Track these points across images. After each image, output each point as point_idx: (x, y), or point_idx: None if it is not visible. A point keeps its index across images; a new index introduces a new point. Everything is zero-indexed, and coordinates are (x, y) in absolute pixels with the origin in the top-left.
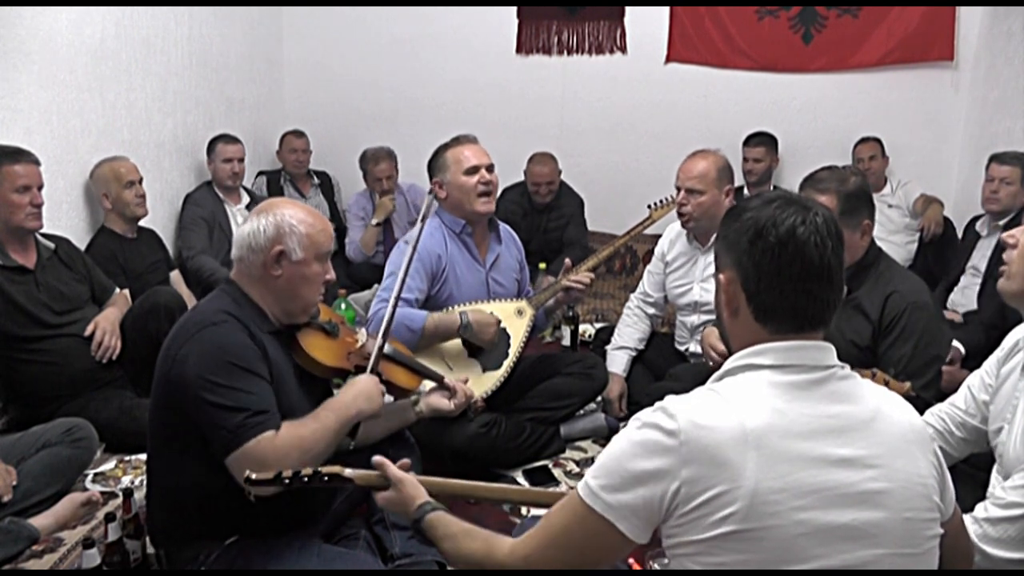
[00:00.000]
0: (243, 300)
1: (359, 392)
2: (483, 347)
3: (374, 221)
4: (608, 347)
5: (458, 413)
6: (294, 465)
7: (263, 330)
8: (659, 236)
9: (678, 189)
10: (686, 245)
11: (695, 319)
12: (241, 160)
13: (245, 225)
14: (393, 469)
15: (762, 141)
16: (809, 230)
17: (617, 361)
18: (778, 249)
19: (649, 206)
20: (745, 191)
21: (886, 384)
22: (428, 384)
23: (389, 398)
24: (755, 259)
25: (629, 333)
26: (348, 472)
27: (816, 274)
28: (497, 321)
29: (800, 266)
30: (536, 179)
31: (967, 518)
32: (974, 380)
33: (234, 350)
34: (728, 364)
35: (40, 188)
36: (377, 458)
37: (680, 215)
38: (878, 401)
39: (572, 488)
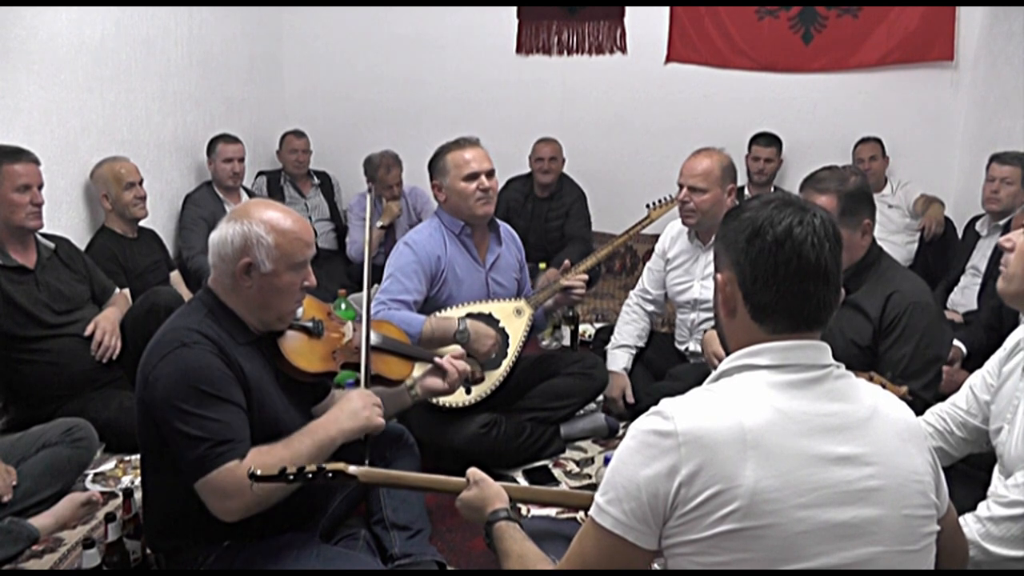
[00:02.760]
0: (219, 310)
1: (342, 412)
2: (476, 358)
3: (379, 224)
4: (608, 347)
5: (454, 391)
6: (258, 494)
7: (241, 341)
8: (659, 235)
9: (680, 186)
10: (687, 243)
11: (695, 316)
12: (241, 160)
13: (216, 231)
14: (477, 471)
15: (772, 141)
16: (806, 230)
17: (618, 359)
18: (775, 248)
19: (648, 205)
20: (746, 191)
21: (883, 387)
22: (421, 367)
23: (379, 411)
24: (752, 258)
25: (628, 331)
26: (352, 469)
27: (813, 274)
28: (496, 338)
29: (796, 265)
30: (539, 154)
31: (969, 517)
32: (976, 380)
33: (202, 374)
34: (724, 365)
35: (40, 187)
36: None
37: (683, 213)
38: (875, 399)
39: (572, 488)
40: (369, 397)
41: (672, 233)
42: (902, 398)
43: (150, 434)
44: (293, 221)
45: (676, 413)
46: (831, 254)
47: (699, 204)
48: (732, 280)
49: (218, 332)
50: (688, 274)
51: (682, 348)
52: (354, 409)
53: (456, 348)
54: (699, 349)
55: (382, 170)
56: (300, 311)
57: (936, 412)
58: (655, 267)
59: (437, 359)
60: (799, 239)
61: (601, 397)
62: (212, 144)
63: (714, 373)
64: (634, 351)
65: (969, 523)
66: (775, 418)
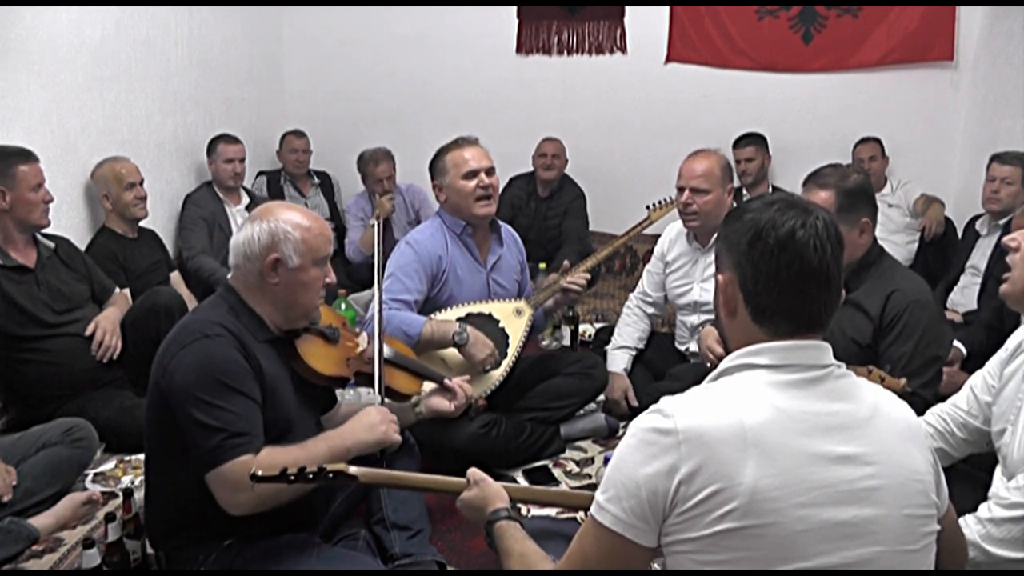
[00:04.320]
0: (241, 308)
1: (359, 424)
2: (472, 365)
3: (372, 222)
4: (608, 347)
5: (458, 414)
6: (269, 491)
7: (260, 339)
8: (659, 236)
9: (680, 189)
10: (686, 245)
11: (695, 319)
12: (242, 160)
13: (240, 232)
14: (477, 471)
15: (750, 141)
16: (809, 233)
17: (618, 360)
18: (777, 251)
19: (648, 207)
20: (744, 192)
21: (881, 381)
22: (429, 385)
23: (395, 428)
24: (754, 260)
25: (629, 332)
26: (353, 469)
27: (814, 277)
28: (494, 350)
29: (798, 268)
30: (543, 151)
31: (969, 518)
32: (976, 381)
33: (223, 366)
34: (725, 364)
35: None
36: (471, 470)
37: (686, 215)
38: (876, 399)
39: (572, 488)
40: (386, 413)
41: (671, 236)
42: (901, 390)
43: (161, 427)
44: (314, 219)
45: (676, 411)
46: (833, 257)
47: (702, 206)
48: (733, 281)
49: (239, 328)
50: (688, 277)
51: (682, 349)
52: (372, 422)
53: (452, 350)
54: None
55: (371, 164)
56: (318, 317)
57: (936, 413)
58: (654, 270)
59: (447, 380)
60: (801, 242)
61: (602, 397)
62: (213, 144)
63: (714, 372)
64: (634, 352)
65: (970, 524)
66: (775, 417)
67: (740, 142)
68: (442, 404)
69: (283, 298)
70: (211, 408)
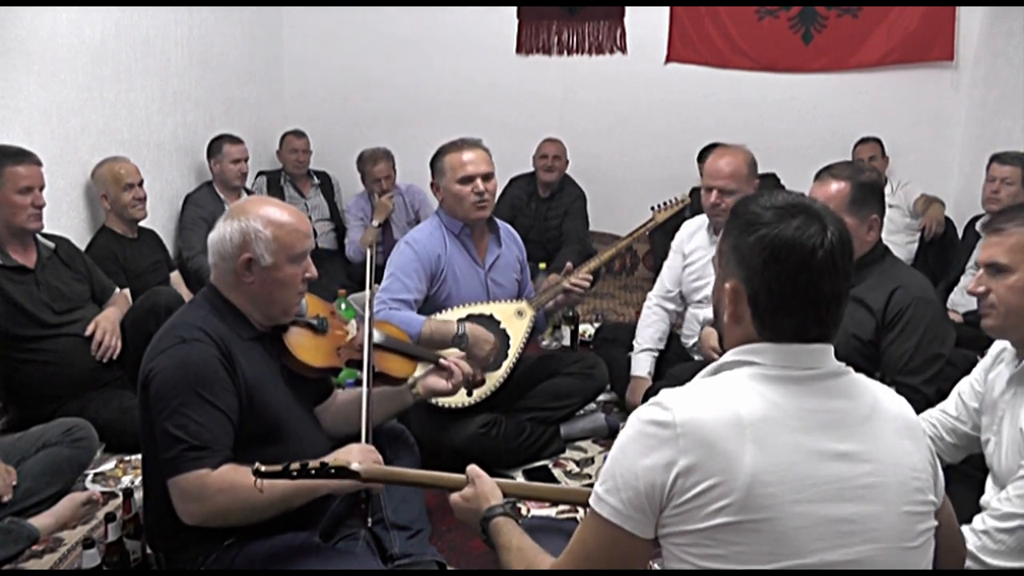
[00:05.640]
0: (224, 307)
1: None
2: (474, 363)
3: (375, 222)
4: (631, 353)
5: (456, 392)
6: (219, 509)
7: (245, 337)
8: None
9: (708, 189)
10: (706, 238)
11: (708, 312)
12: (246, 160)
13: (214, 231)
14: (475, 468)
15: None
16: (826, 252)
17: (641, 364)
18: (792, 276)
19: (653, 208)
20: None
21: None
22: (423, 367)
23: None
24: (767, 281)
25: (649, 334)
26: (355, 465)
27: (828, 300)
28: (495, 343)
29: (814, 293)
30: (544, 152)
31: (965, 529)
32: (964, 387)
33: (197, 373)
34: (725, 358)
35: (41, 189)
36: (471, 467)
37: (713, 214)
38: (874, 396)
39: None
40: (370, 452)
41: (690, 229)
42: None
43: (154, 429)
44: (289, 214)
45: (675, 404)
46: (846, 277)
47: (731, 205)
48: (741, 292)
49: (222, 329)
50: (705, 269)
51: (690, 343)
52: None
53: (455, 351)
54: None
55: (369, 163)
56: (305, 308)
57: (926, 418)
58: (673, 264)
59: (442, 359)
60: (819, 267)
61: (602, 397)
62: (217, 146)
63: (713, 365)
64: (656, 354)
65: (967, 536)
66: (773, 413)
67: (703, 155)
68: (439, 383)
69: (260, 296)
70: (178, 416)
